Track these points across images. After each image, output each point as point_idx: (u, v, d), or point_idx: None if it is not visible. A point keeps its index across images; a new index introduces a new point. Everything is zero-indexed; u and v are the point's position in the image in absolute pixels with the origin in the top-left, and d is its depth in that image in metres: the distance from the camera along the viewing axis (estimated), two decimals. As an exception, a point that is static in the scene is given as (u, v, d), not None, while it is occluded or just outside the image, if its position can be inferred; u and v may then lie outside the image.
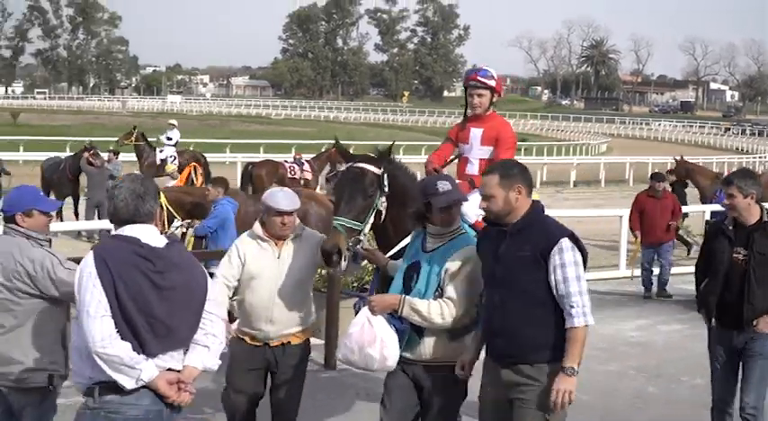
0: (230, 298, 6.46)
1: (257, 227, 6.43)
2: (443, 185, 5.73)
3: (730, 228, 6.96)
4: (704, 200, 20.19)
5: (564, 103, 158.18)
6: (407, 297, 5.64)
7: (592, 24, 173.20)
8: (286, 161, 25.14)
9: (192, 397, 4.56)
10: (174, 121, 31.84)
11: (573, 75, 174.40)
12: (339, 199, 6.29)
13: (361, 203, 6.23)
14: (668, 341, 11.81)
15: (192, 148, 33.01)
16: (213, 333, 4.73)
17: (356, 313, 5.99)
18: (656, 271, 14.84)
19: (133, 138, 27.91)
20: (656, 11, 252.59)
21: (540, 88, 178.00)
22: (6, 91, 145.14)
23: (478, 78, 7.46)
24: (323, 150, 27.14)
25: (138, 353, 4.36)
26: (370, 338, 5.63)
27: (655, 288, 14.74)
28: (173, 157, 26.28)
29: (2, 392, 5.31)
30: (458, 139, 7.68)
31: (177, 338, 4.59)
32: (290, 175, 24.12)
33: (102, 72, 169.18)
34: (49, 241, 5.56)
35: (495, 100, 7.56)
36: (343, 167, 6.79)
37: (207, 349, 4.69)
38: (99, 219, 19.32)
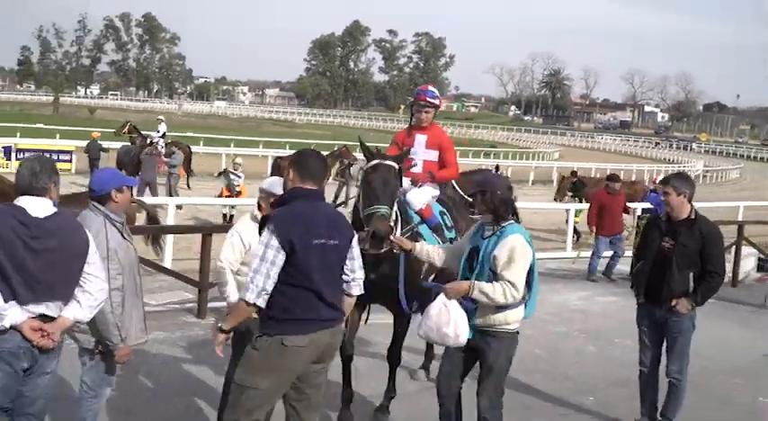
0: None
1: (256, 212, 5.86)
2: (479, 179, 5.99)
3: (663, 220, 6.82)
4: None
5: (526, 118, 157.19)
6: (476, 282, 5.52)
7: (551, 57, 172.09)
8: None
9: (54, 343, 4.51)
10: (161, 117, 30.73)
11: (534, 96, 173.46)
12: (375, 189, 6.09)
13: (392, 192, 6.14)
14: (605, 309, 11.73)
15: (231, 148, 32.42)
16: (89, 291, 4.63)
17: (433, 298, 5.77)
18: (608, 254, 14.34)
19: (126, 130, 27.13)
20: (604, 47, 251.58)
21: (507, 106, 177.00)
22: (86, 92, 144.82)
23: (427, 99, 7.33)
24: (335, 149, 26.78)
25: (8, 301, 4.38)
26: (446, 320, 5.55)
27: (601, 267, 14.26)
28: (161, 146, 25.68)
29: None
30: (404, 144, 7.45)
31: (53, 292, 4.55)
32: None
33: (164, 81, 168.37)
34: (122, 224, 5.27)
35: (436, 113, 7.47)
36: (364, 163, 6.42)
37: (78, 304, 4.61)
38: (151, 195, 19.53)
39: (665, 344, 6.90)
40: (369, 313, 6.93)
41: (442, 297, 5.64)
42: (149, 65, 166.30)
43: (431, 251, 6.10)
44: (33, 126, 41.93)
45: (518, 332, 5.75)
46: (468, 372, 5.91)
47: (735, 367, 9.25)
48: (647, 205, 16.57)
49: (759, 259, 15.57)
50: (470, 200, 6.58)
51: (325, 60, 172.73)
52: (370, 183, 6.16)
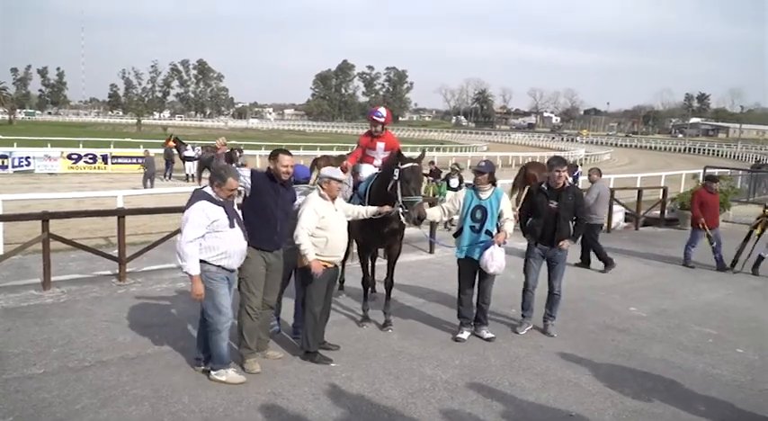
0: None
1: (321, 191, 5.53)
2: (483, 166, 6.36)
3: (546, 189, 6.85)
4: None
5: (464, 124, 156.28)
6: (505, 227, 6.25)
7: (480, 81, 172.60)
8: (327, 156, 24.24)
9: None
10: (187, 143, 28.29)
11: (470, 108, 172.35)
12: (416, 185, 5.98)
13: (421, 185, 6.25)
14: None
15: (263, 151, 31.50)
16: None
17: (484, 249, 6.23)
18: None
19: (171, 142, 26.19)
20: (515, 75, 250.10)
21: (451, 115, 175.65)
22: (159, 116, 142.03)
23: (373, 118, 7.27)
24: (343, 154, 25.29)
25: None
26: (502, 258, 6.21)
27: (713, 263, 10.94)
28: (197, 152, 24.65)
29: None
30: (368, 147, 7.36)
31: None
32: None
33: (213, 106, 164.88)
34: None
35: (386, 125, 7.32)
36: (403, 165, 6.05)
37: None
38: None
39: (544, 273, 6.91)
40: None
41: (496, 245, 6.15)
42: (203, 95, 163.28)
43: (439, 214, 6.65)
44: (123, 140, 41.12)
45: None
46: None
47: (612, 286, 9.29)
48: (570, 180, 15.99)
49: (626, 213, 15.57)
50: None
51: (325, 88, 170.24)
52: (409, 180, 5.96)
